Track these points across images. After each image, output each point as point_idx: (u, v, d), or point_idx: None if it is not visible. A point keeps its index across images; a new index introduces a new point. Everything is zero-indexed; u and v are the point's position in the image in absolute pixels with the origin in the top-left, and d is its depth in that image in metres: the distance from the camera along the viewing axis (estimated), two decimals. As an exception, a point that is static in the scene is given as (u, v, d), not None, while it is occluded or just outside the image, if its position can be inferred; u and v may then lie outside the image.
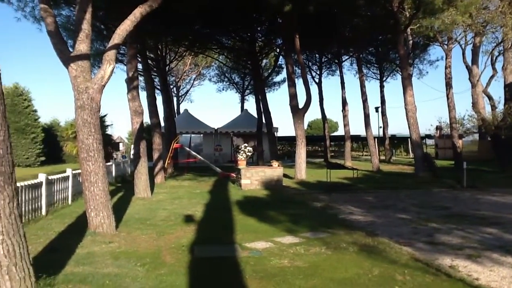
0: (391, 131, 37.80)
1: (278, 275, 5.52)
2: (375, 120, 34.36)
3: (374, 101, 61.87)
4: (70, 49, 8.54)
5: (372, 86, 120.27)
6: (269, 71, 39.48)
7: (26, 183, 9.37)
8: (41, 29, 24.72)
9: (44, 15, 8.54)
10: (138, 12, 8.66)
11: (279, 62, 34.22)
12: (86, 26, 8.28)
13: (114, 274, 5.50)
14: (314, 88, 29.89)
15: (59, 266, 5.71)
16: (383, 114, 35.54)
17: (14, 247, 4.38)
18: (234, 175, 18.10)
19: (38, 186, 9.99)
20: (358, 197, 13.48)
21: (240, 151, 16.78)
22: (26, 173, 19.86)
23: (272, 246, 7.04)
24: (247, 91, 47.88)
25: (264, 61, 38.75)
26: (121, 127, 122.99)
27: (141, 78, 21.93)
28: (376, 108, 34.39)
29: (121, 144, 44.04)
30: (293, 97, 20.19)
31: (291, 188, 16.13)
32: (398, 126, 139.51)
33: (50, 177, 10.82)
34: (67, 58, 8.20)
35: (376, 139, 29.57)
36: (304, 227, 8.54)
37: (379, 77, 36.21)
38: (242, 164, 16.55)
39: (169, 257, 6.40)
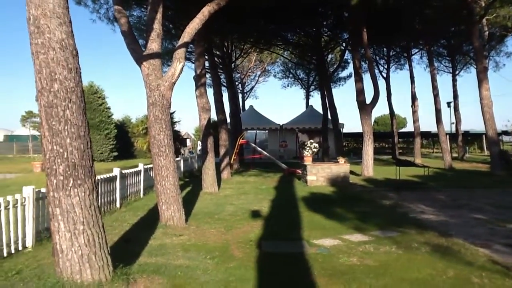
0: (464, 127, 36.04)
1: (347, 273, 5.43)
2: (447, 115, 32.89)
3: (445, 95, 59.33)
4: (142, 48, 8.87)
5: (444, 80, 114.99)
6: (335, 66, 38.84)
7: (101, 176, 9.85)
8: (115, 30, 25.98)
9: (118, 16, 8.93)
10: (206, 11, 8.83)
11: (345, 57, 33.57)
12: (157, 25, 8.55)
13: (185, 266, 5.66)
14: (381, 83, 28.97)
15: (134, 256, 5.97)
16: (456, 109, 33.85)
17: (93, 237, 4.64)
18: (300, 172, 18.01)
19: (113, 179, 10.49)
20: (429, 196, 12.92)
21: (306, 147, 16.66)
22: (101, 168, 20.92)
23: (340, 244, 6.93)
24: (312, 87, 47.63)
25: (330, 56, 38.21)
26: (187, 123, 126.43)
27: (207, 76, 22.39)
28: (448, 103, 32.83)
29: (188, 140, 45.22)
30: (360, 92, 19.73)
31: (358, 185, 15.80)
32: (471, 122, 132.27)
33: (123, 171, 11.31)
34: (139, 57, 8.51)
35: (448, 136, 28.27)
36: (373, 225, 8.34)
37: (451, 71, 34.57)
38: (308, 161, 16.42)
39: (237, 251, 6.49)
